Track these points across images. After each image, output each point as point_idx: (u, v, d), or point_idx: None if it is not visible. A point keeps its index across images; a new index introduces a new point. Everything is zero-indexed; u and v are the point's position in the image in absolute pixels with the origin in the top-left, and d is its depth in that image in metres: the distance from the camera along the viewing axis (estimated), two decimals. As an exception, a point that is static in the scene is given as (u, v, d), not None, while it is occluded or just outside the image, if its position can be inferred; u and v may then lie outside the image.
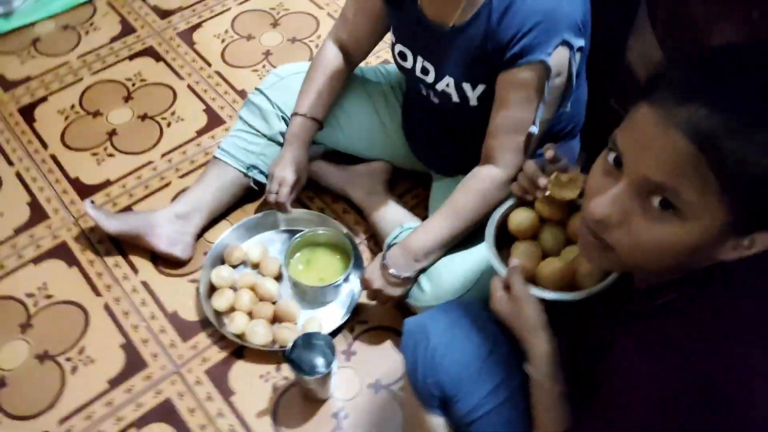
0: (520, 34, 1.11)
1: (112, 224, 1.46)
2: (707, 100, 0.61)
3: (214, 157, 1.52)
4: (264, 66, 1.88)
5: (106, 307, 1.43)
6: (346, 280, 1.42)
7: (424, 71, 1.30)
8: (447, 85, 1.27)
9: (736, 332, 0.68)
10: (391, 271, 1.27)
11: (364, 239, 1.53)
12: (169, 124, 1.74)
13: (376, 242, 1.50)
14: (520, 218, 1.05)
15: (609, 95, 1.14)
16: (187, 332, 1.39)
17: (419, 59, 1.30)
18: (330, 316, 1.41)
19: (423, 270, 1.29)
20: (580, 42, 1.13)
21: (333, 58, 1.44)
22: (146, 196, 1.61)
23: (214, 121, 1.75)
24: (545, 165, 1.02)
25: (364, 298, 1.39)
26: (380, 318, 1.41)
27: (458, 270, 1.28)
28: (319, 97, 1.43)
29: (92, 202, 1.50)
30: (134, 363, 1.35)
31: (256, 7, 2.03)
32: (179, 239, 1.47)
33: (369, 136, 1.55)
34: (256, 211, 1.56)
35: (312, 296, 1.43)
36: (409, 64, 1.33)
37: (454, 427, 0.98)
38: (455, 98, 1.27)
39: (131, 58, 1.89)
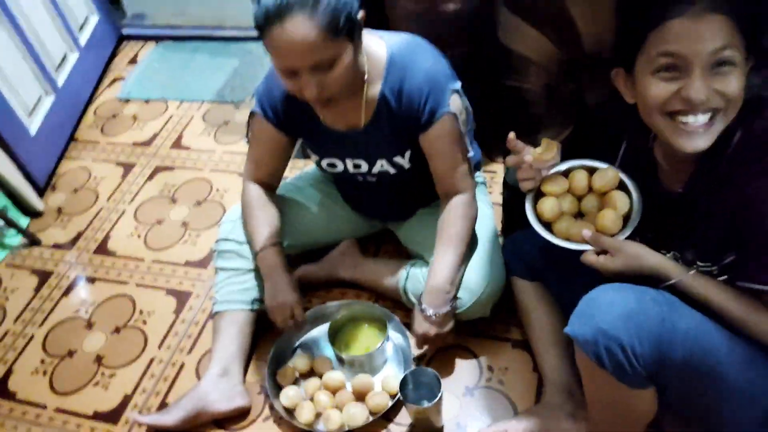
0: (422, 104, 1.39)
1: (171, 416, 1.49)
2: None
3: (217, 313, 1.63)
4: (189, 234, 2.02)
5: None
6: (387, 339, 1.60)
7: (357, 167, 1.56)
8: (381, 166, 1.53)
9: None
10: (434, 313, 1.45)
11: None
12: (144, 322, 1.80)
13: (385, 298, 1.70)
14: (549, 207, 1.21)
15: (502, 78, 1.49)
16: (295, 457, 1.47)
17: (348, 161, 1.55)
18: (394, 374, 1.57)
19: (455, 297, 1.50)
20: (459, 83, 1.44)
21: (259, 193, 1.61)
22: (171, 387, 1.65)
23: (180, 298, 1.85)
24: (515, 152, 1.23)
25: (416, 349, 1.57)
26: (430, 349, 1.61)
27: (473, 266, 1.53)
28: (269, 226, 1.58)
29: (139, 411, 1.52)
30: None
31: (148, 197, 2.18)
32: (234, 392, 1.55)
33: (328, 227, 1.77)
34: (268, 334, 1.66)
35: (369, 365, 1.58)
36: (340, 169, 1.58)
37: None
38: (392, 171, 1.54)
39: (66, 293, 1.92)
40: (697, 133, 1.02)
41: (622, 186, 1.21)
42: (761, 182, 1.02)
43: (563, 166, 1.25)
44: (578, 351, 1.10)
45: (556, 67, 1.39)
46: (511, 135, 1.21)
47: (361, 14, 1.28)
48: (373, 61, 1.41)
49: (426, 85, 1.39)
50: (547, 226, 1.23)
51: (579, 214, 1.25)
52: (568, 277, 1.46)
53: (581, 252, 1.17)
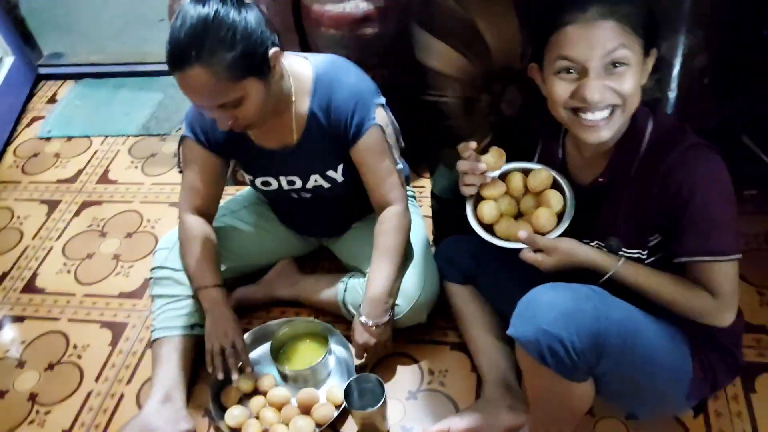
0: (349, 118, 1.46)
1: (113, 448, 1.47)
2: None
3: (156, 340, 1.62)
4: (121, 266, 2.00)
5: None
6: (329, 352, 1.63)
7: (291, 183, 1.60)
8: (315, 181, 1.58)
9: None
10: (373, 323, 1.50)
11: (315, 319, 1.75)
12: (79, 356, 1.77)
13: (325, 314, 1.73)
14: (489, 210, 1.27)
15: (421, 94, 1.58)
16: (244, 475, 1.47)
17: (282, 178, 1.60)
18: (338, 386, 1.59)
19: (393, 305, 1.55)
20: (383, 98, 1.52)
21: (197, 225, 1.61)
22: (111, 418, 1.62)
23: (116, 329, 1.83)
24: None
25: (357, 360, 1.60)
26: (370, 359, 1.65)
27: (408, 273, 1.59)
28: (209, 262, 1.59)
29: (78, 445, 1.49)
30: None
31: (76, 232, 2.14)
32: (178, 416, 1.53)
33: (264, 248, 1.79)
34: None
35: (313, 379, 1.60)
36: (274, 187, 1.62)
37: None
38: (326, 185, 1.59)
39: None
40: (598, 127, 1.13)
41: (556, 185, 1.29)
42: (686, 162, 1.12)
43: (499, 171, 1.31)
44: (520, 350, 1.14)
45: (471, 80, 1.48)
46: (473, 144, 1.27)
47: (273, 51, 1.33)
48: (300, 81, 1.47)
49: (352, 100, 1.46)
50: (488, 228, 1.28)
51: (519, 215, 1.31)
52: (497, 279, 1.54)
53: (519, 250, 1.22)
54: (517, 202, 1.32)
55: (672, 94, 1.40)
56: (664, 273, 1.19)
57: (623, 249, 1.23)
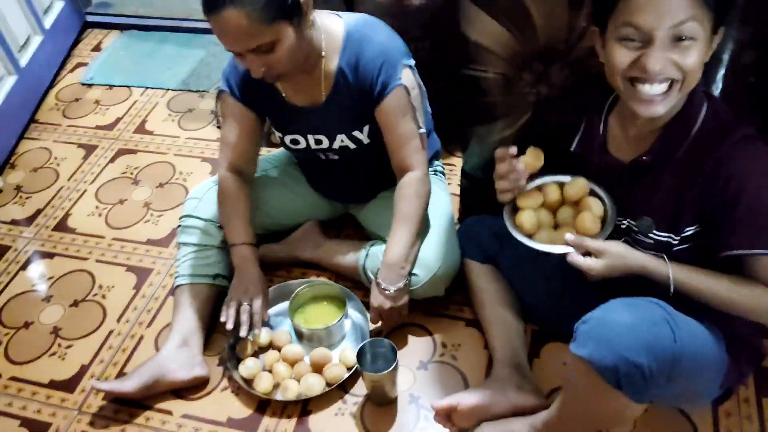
0: (375, 77, 1.48)
1: (130, 383, 1.51)
2: None
3: (178, 286, 1.66)
4: (151, 214, 2.04)
5: (167, 454, 1.48)
6: (346, 315, 1.65)
7: (318, 142, 1.62)
8: (342, 141, 1.60)
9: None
10: (391, 288, 1.52)
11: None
12: (103, 297, 1.82)
13: (345, 279, 1.75)
14: (528, 219, 1.27)
15: (461, 68, 1.57)
16: (252, 424, 1.50)
17: (310, 137, 1.62)
18: (351, 349, 1.62)
19: (410, 273, 1.56)
20: (412, 60, 1.55)
21: (234, 184, 1.64)
22: (129, 358, 1.67)
23: (141, 274, 1.87)
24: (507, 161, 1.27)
25: (372, 325, 1.62)
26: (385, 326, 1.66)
27: (429, 245, 1.60)
28: (243, 222, 1.63)
29: (97, 379, 1.53)
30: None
31: (110, 177, 2.19)
32: (193, 362, 1.58)
33: (291, 209, 1.82)
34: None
35: (327, 339, 1.63)
36: (302, 145, 1.64)
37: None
38: (352, 146, 1.61)
39: (24, 267, 1.92)
40: (654, 101, 1.10)
41: (592, 194, 1.27)
42: (741, 153, 1.10)
43: (535, 183, 1.31)
44: (582, 368, 1.10)
45: (514, 57, 1.47)
46: (513, 149, 1.25)
47: None
48: (331, 38, 1.49)
49: (379, 58, 1.47)
50: (527, 237, 1.27)
51: (556, 227, 1.29)
52: (521, 265, 1.54)
53: (563, 256, 1.18)
54: (554, 215, 1.30)
55: (717, 89, 1.38)
56: (713, 271, 1.16)
57: (654, 231, 1.21)
